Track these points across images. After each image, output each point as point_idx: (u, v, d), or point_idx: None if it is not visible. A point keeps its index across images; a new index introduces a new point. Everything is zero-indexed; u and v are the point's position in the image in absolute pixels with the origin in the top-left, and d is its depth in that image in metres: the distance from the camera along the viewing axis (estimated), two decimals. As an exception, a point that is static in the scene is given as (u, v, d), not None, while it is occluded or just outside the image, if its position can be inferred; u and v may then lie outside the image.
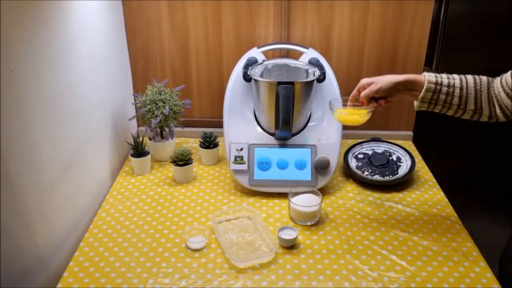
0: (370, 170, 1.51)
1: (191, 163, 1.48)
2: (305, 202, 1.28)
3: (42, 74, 1.07)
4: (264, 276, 1.11)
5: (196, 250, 1.19)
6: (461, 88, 1.12)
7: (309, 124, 1.46)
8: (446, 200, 1.41)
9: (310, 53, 1.50)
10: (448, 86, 1.12)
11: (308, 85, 1.39)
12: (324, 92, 1.47)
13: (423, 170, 1.57)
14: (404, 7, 1.57)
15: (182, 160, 1.46)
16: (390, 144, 1.63)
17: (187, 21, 1.63)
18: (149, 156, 1.54)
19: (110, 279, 1.09)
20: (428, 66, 1.78)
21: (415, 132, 1.79)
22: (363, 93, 1.17)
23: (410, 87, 1.15)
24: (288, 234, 1.21)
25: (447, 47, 1.70)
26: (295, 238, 1.20)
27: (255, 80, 1.39)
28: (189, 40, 1.66)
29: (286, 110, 1.32)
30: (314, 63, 1.44)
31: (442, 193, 1.45)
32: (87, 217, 1.33)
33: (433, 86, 1.12)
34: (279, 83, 1.33)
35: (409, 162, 1.53)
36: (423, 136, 1.84)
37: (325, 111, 1.47)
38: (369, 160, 1.55)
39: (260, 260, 1.15)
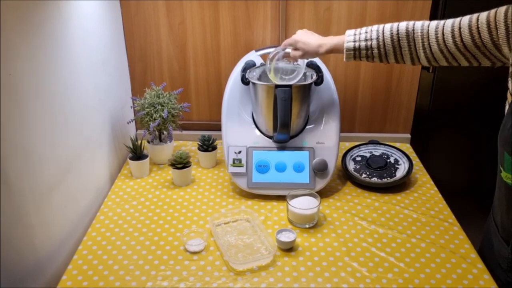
0: (368, 173, 1.51)
1: (189, 166, 1.48)
2: (304, 204, 1.29)
3: (40, 77, 1.07)
4: (263, 278, 1.11)
5: (194, 253, 1.19)
6: (378, 48, 1.19)
7: (307, 126, 1.47)
8: (444, 202, 1.42)
9: (308, 56, 1.50)
10: (366, 49, 1.20)
11: (306, 88, 1.39)
12: (322, 95, 1.48)
13: (420, 172, 1.58)
14: (401, 8, 1.58)
15: (181, 163, 1.46)
16: (388, 147, 1.63)
17: (185, 24, 1.63)
18: (147, 159, 1.54)
19: (109, 282, 1.09)
20: (426, 69, 1.79)
21: (412, 135, 1.79)
22: (285, 41, 1.32)
23: (336, 52, 1.25)
24: (286, 237, 1.21)
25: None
26: (294, 241, 1.20)
27: (253, 83, 1.39)
28: (187, 43, 1.66)
29: (284, 113, 1.33)
30: (312, 66, 1.45)
31: (439, 195, 1.45)
32: (86, 220, 1.33)
33: (352, 52, 1.22)
34: (277, 86, 1.33)
35: (406, 165, 1.53)
36: (420, 139, 1.85)
37: (323, 114, 1.47)
38: (367, 163, 1.56)
39: (258, 262, 1.16)
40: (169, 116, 1.53)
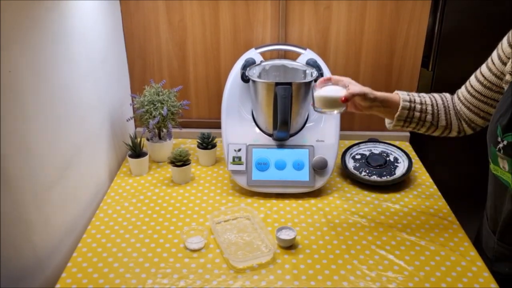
0: (367, 171, 1.52)
1: (189, 163, 1.48)
2: (333, 91, 1.18)
3: (40, 74, 1.07)
4: (263, 276, 1.11)
5: (194, 251, 1.19)
6: (432, 105, 1.17)
7: (307, 124, 1.47)
8: (443, 200, 1.42)
9: (307, 54, 1.50)
10: (421, 103, 1.16)
11: (306, 86, 1.39)
12: (322, 92, 1.48)
13: (420, 170, 1.58)
14: (401, 8, 1.58)
15: (180, 160, 1.46)
16: (387, 145, 1.63)
17: (185, 22, 1.63)
18: (147, 157, 1.53)
19: (109, 280, 1.09)
20: (425, 67, 1.79)
21: (412, 133, 1.80)
22: (351, 90, 1.14)
23: (385, 104, 1.16)
24: (286, 234, 1.21)
25: (444, 48, 1.71)
26: (294, 238, 1.20)
27: (253, 81, 1.39)
28: (187, 40, 1.66)
29: (284, 111, 1.33)
30: (311, 64, 1.45)
31: (439, 193, 1.45)
32: (85, 218, 1.33)
33: (408, 104, 1.16)
34: (277, 84, 1.33)
35: (406, 163, 1.54)
36: (420, 137, 1.85)
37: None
38: (367, 161, 1.56)
39: (258, 260, 1.16)
40: (168, 114, 1.52)
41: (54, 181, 1.15)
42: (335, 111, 1.18)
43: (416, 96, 1.17)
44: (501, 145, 0.99)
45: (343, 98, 1.14)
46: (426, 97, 1.18)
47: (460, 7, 1.63)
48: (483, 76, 1.10)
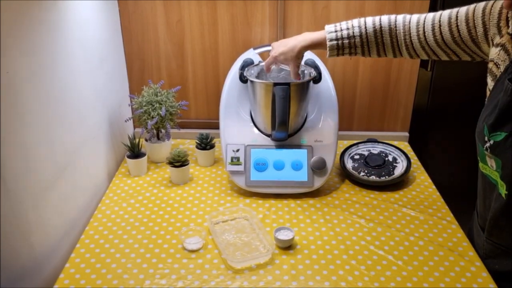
0: (366, 171, 1.51)
1: (187, 164, 1.48)
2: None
3: (38, 75, 1.07)
4: (261, 276, 1.11)
5: (192, 251, 1.19)
6: (362, 45, 1.19)
7: (305, 125, 1.47)
8: (442, 200, 1.42)
9: (306, 54, 1.49)
10: (350, 46, 1.20)
11: (304, 86, 1.39)
12: (320, 93, 1.48)
13: (418, 170, 1.58)
14: (399, 8, 1.58)
15: (179, 161, 1.46)
16: (386, 145, 1.63)
17: (183, 22, 1.63)
18: (145, 157, 1.53)
19: (107, 280, 1.09)
20: (424, 67, 1.79)
21: (411, 133, 1.80)
22: (267, 62, 1.32)
23: (315, 48, 1.25)
24: (284, 235, 1.21)
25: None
26: (292, 239, 1.20)
27: (251, 81, 1.39)
28: (185, 41, 1.66)
29: (283, 111, 1.33)
30: (310, 64, 1.45)
31: (437, 193, 1.45)
32: (84, 219, 1.33)
33: (335, 51, 1.21)
34: (275, 84, 1.33)
35: (405, 163, 1.54)
36: (418, 137, 1.85)
37: (321, 112, 1.47)
38: (365, 161, 1.56)
39: (256, 260, 1.16)
40: (167, 114, 1.52)
41: (52, 181, 1.15)
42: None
43: (345, 39, 1.19)
44: (488, 145, 1.00)
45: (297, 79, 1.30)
46: (356, 37, 1.18)
47: (458, 6, 1.63)
48: (458, 31, 1.06)
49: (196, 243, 1.20)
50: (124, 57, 1.69)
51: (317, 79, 1.42)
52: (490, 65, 1.02)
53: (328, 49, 1.21)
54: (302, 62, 1.46)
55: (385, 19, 1.18)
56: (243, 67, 1.43)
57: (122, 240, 1.23)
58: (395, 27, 1.17)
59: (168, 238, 1.24)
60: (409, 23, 1.15)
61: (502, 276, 1.11)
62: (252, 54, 1.50)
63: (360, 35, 1.18)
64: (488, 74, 1.03)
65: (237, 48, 1.66)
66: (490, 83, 1.03)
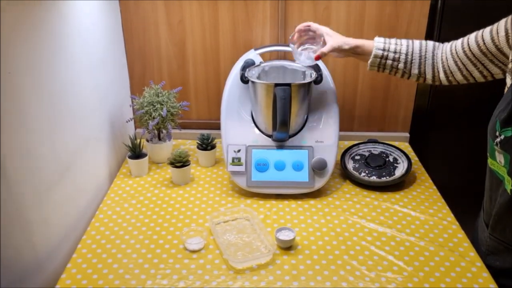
0: (367, 171, 1.52)
1: (188, 164, 1.48)
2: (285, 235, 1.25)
3: (39, 75, 1.07)
4: (262, 277, 1.11)
5: (194, 251, 1.19)
6: (406, 54, 1.23)
7: (306, 125, 1.47)
8: (443, 200, 1.42)
9: (306, 55, 1.50)
10: (395, 52, 1.23)
11: (305, 86, 1.39)
12: (321, 93, 1.48)
13: (419, 171, 1.58)
14: (400, 8, 1.58)
15: (180, 161, 1.46)
16: (386, 146, 1.63)
17: (184, 23, 1.63)
18: (146, 158, 1.54)
19: (108, 281, 1.09)
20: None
21: (411, 134, 1.80)
22: (323, 49, 1.28)
23: (360, 52, 1.27)
24: (285, 235, 1.21)
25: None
26: (293, 239, 1.20)
27: (253, 82, 1.39)
28: (186, 41, 1.66)
29: (284, 112, 1.33)
30: (310, 65, 1.45)
31: (438, 194, 1.46)
32: (85, 219, 1.33)
33: (381, 52, 1.24)
34: (276, 85, 1.33)
35: (405, 164, 1.54)
36: (419, 138, 1.85)
37: (322, 113, 1.47)
38: (366, 162, 1.56)
39: (258, 261, 1.16)
40: (168, 115, 1.52)
41: (54, 182, 1.15)
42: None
43: (392, 44, 1.24)
44: (498, 139, 1.03)
45: (315, 56, 1.28)
46: (403, 45, 1.24)
47: (459, 7, 1.63)
48: (483, 40, 1.11)
49: (198, 243, 1.20)
50: (125, 57, 1.69)
51: (318, 80, 1.42)
52: (510, 65, 1.06)
53: (372, 56, 1.24)
54: (302, 63, 1.46)
55: (430, 41, 1.25)
56: (244, 68, 1.43)
57: (123, 240, 1.23)
58: (438, 47, 1.24)
59: (169, 238, 1.24)
60: (445, 45, 1.24)
61: (503, 273, 1.13)
62: (253, 55, 1.50)
63: (406, 53, 1.23)
64: (507, 74, 1.07)
65: (238, 48, 1.66)
66: (509, 82, 1.07)
